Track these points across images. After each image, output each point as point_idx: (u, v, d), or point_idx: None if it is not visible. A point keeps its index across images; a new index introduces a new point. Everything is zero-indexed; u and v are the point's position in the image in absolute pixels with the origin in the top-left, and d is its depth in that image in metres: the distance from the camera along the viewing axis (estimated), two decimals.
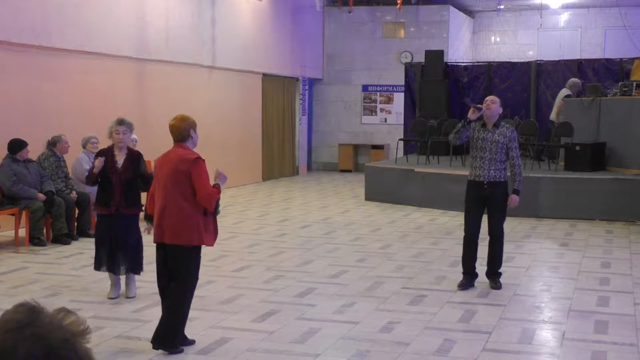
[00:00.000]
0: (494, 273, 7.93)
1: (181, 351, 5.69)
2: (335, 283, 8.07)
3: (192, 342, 5.85)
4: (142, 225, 6.58)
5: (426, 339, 6.10)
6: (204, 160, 5.68)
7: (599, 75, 16.23)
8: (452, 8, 21.53)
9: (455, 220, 12.49)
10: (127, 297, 7.31)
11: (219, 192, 5.75)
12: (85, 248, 9.88)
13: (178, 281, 5.67)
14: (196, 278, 5.81)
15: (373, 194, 15.16)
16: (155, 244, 5.82)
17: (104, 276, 8.24)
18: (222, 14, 16.60)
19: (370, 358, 5.66)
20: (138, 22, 13.71)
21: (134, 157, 7.34)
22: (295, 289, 7.73)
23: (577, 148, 13.55)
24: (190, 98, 15.36)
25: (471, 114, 7.59)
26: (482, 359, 5.64)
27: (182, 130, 5.73)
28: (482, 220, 7.89)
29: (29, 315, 1.35)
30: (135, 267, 7.30)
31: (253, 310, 6.88)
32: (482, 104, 7.80)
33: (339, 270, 8.69)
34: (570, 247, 10.37)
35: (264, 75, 18.80)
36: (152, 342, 5.70)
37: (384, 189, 14.95)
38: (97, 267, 7.38)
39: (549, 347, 6.09)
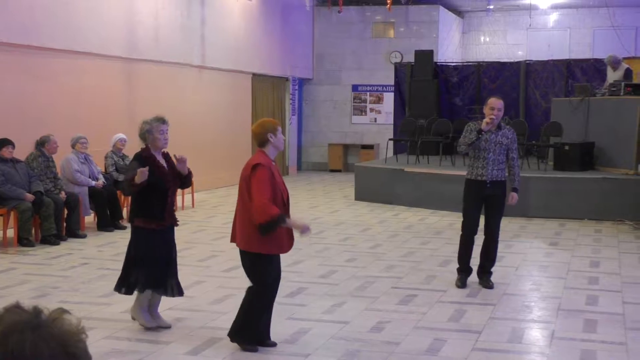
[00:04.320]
0: (487, 272, 7.96)
1: (255, 350, 5.75)
2: (325, 283, 8.07)
3: (274, 344, 5.87)
4: None
5: (416, 339, 6.11)
6: (266, 167, 5.55)
7: (587, 75, 16.29)
8: (441, 8, 21.57)
9: (444, 220, 12.52)
10: (166, 327, 6.36)
11: (276, 213, 5.47)
12: (74, 249, 9.85)
13: (250, 284, 5.80)
14: (264, 284, 5.72)
15: (363, 194, 15.17)
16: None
17: (94, 277, 8.24)
18: (212, 13, 16.58)
19: (361, 358, 5.66)
20: (128, 22, 13.67)
21: (169, 158, 6.45)
22: (286, 289, 7.71)
23: (566, 148, 13.59)
24: (180, 98, 15.33)
25: (486, 126, 7.59)
26: (472, 359, 5.65)
27: (259, 136, 5.74)
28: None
29: (35, 316, 1.36)
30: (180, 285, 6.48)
31: None
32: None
33: (328, 270, 8.69)
34: (559, 246, 10.41)
35: (254, 75, 18.79)
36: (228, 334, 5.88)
37: (374, 189, 14.95)
38: (154, 286, 6.26)
39: (538, 346, 6.11)
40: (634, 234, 11.31)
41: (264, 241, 5.59)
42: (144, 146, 6.31)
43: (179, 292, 6.41)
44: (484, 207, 7.87)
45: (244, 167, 5.71)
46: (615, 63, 14.34)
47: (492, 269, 8.03)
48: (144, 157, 6.20)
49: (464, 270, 7.98)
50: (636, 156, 12.72)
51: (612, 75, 14.13)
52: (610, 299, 7.46)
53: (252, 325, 5.77)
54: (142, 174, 5.98)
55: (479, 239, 8.04)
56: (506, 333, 6.32)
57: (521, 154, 15.18)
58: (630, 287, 8.00)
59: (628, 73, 14.04)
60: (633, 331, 6.37)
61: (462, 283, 7.88)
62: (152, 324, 6.28)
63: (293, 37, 20.84)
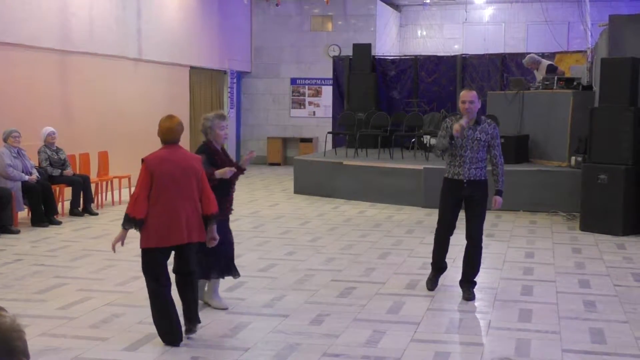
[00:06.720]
0: (469, 281, 7.33)
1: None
2: (264, 276, 8.06)
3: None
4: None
5: (355, 331, 6.14)
6: None
7: (522, 69, 16.56)
8: (379, 2, 21.69)
9: (383, 213, 12.62)
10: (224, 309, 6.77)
11: None
12: (7, 244, 9.63)
13: (193, 272, 5.95)
14: None
15: (302, 187, 15.18)
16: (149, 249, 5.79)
17: (28, 273, 8.06)
18: (148, 6, 16.35)
19: (300, 351, 5.67)
20: (61, 13, 13.38)
21: (225, 151, 6.98)
22: (225, 283, 7.67)
23: (502, 140, 13.78)
24: (116, 91, 15.09)
25: (457, 132, 6.92)
26: (410, 350, 5.70)
27: (179, 133, 5.80)
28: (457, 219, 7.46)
29: None
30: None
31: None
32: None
33: (268, 264, 8.68)
34: (495, 237, 10.57)
35: (192, 68, 18.62)
36: (187, 331, 5.87)
37: (313, 182, 14.98)
38: (227, 271, 6.76)
39: (475, 336, 6.20)
40: (567, 225, 11.56)
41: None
42: (205, 140, 6.67)
43: (238, 273, 6.87)
44: (464, 209, 7.26)
45: (185, 159, 5.78)
46: (534, 63, 14.55)
47: (476, 279, 7.39)
48: (212, 151, 6.59)
49: (437, 269, 7.49)
50: (569, 149, 13.00)
51: (538, 76, 14.35)
52: (544, 289, 7.62)
53: None
54: (226, 172, 6.48)
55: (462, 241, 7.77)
56: (444, 324, 6.41)
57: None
58: (564, 277, 8.18)
59: (551, 69, 14.23)
60: (566, 320, 6.52)
61: (431, 285, 7.44)
62: (226, 305, 6.77)
63: (231, 30, 20.71)
